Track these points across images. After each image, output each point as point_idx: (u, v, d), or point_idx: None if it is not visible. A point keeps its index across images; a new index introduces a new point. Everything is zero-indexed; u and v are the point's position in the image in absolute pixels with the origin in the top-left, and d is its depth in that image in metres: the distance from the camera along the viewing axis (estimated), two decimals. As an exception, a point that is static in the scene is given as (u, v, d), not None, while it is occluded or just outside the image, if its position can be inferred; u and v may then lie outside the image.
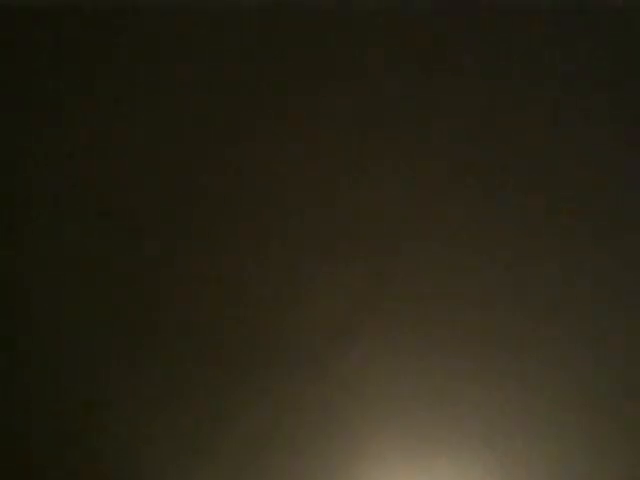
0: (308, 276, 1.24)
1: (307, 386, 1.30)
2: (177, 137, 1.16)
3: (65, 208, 1.22)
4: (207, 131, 1.16)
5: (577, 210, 1.19)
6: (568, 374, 1.27)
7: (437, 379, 1.28)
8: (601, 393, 1.27)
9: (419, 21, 1.09)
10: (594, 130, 1.15)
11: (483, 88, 1.13)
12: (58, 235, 1.24)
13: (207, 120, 1.15)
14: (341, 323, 1.27)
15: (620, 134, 1.15)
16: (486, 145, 1.16)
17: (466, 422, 1.30)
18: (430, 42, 1.10)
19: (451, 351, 1.27)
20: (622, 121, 1.14)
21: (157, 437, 1.32)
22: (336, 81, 1.13)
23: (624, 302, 1.23)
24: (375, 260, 1.23)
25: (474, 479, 1.32)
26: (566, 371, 1.27)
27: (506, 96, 1.13)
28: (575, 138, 1.15)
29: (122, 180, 1.19)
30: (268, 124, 1.15)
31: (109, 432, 1.32)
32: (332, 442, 1.32)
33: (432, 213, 1.20)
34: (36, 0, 1.08)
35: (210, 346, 1.28)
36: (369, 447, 1.32)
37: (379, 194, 1.19)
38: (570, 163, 1.16)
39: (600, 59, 1.11)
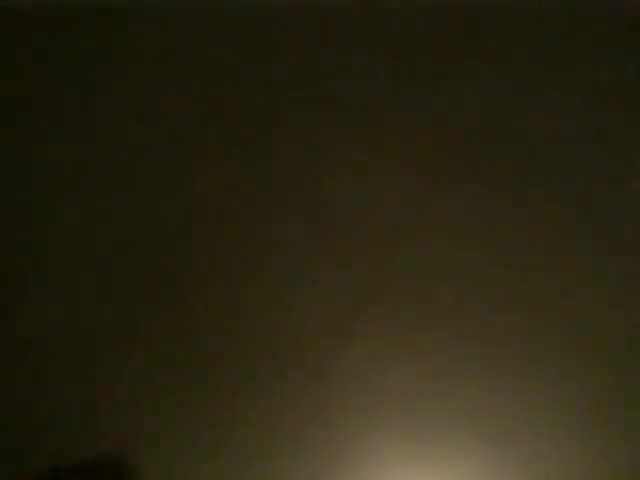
0: (308, 277, 1.24)
1: (307, 386, 1.30)
2: (177, 137, 1.16)
3: (65, 208, 1.22)
4: (207, 131, 1.16)
5: (578, 210, 1.19)
6: (568, 374, 1.27)
7: (437, 379, 1.29)
8: (601, 394, 1.27)
9: (419, 22, 1.09)
10: (595, 130, 1.15)
11: (484, 88, 1.13)
12: (58, 235, 1.24)
13: (207, 120, 1.15)
14: (341, 323, 1.27)
15: (621, 134, 1.15)
16: (487, 145, 1.16)
17: (466, 422, 1.30)
18: (431, 42, 1.10)
19: (451, 351, 1.27)
20: (623, 121, 1.14)
21: (157, 437, 1.33)
22: (336, 81, 1.13)
23: (625, 303, 1.23)
24: (375, 260, 1.23)
25: (474, 478, 1.32)
26: (566, 371, 1.27)
27: (506, 96, 1.13)
28: (576, 138, 1.15)
29: (122, 180, 1.19)
30: (268, 124, 1.15)
31: (109, 432, 1.33)
32: (332, 442, 1.32)
33: (432, 213, 1.20)
34: (36, 0, 1.08)
35: (210, 347, 1.28)
36: (369, 447, 1.33)
37: (379, 194, 1.19)
38: (572, 163, 1.16)
39: (601, 59, 1.11)
